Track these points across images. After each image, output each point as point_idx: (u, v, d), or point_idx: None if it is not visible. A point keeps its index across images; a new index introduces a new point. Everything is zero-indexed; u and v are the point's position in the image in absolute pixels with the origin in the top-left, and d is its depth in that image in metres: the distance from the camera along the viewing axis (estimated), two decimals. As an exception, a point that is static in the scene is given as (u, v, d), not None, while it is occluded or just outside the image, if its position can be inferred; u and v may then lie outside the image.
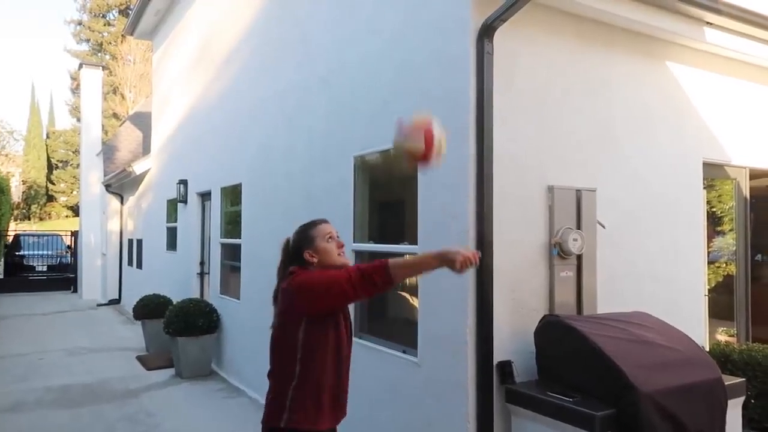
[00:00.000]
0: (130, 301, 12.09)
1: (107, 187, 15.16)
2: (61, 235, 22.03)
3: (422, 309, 3.90)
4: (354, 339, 2.66)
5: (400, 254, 2.63)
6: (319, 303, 2.32)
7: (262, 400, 6.77)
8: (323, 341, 2.37)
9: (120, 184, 14.53)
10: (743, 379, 3.66)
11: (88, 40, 39.85)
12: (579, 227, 3.86)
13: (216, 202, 8.00)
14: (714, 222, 5.14)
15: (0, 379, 7.47)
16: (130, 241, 14.28)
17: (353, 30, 4.85)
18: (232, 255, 7.50)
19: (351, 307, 3.62)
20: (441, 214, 3.70)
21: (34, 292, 18.02)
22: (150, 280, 11.42)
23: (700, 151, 4.72)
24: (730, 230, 5.15)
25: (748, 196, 5.12)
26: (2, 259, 19.73)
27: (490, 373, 3.47)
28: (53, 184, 42.25)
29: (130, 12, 11.75)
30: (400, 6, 4.26)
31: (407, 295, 4.31)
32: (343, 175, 4.85)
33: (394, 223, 4.66)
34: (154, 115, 12.07)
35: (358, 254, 4.64)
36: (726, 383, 3.30)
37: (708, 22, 4.21)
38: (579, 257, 3.86)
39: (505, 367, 3.52)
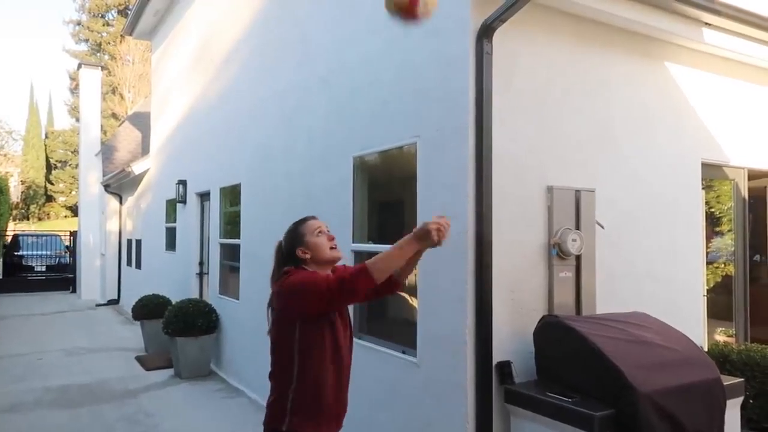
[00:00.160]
0: (129, 302, 12.08)
1: (106, 187, 15.15)
2: (59, 236, 22.01)
3: (421, 309, 3.91)
4: (354, 339, 2.65)
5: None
6: (305, 304, 2.30)
7: (262, 401, 6.79)
8: (319, 342, 2.36)
9: (119, 185, 14.53)
10: (742, 380, 3.67)
11: (87, 40, 39.83)
12: (578, 228, 3.87)
13: (215, 203, 8.00)
14: (712, 222, 5.15)
15: (-1, 379, 7.47)
16: (129, 242, 14.28)
17: (353, 30, 4.85)
18: (231, 255, 7.50)
19: (350, 308, 3.62)
20: (440, 213, 3.70)
21: (33, 292, 18.00)
22: (149, 281, 11.42)
23: (699, 151, 4.73)
24: (729, 231, 5.15)
25: (746, 197, 5.13)
26: (1, 260, 19.72)
27: (489, 373, 3.47)
28: (52, 184, 42.21)
29: (129, 12, 11.75)
30: (399, 6, 4.26)
31: (406, 296, 4.32)
32: (342, 176, 4.86)
33: (393, 223, 4.66)
34: (153, 115, 12.07)
35: (358, 254, 4.64)
36: (725, 383, 3.31)
37: (706, 23, 4.21)
38: (578, 257, 3.86)
39: (504, 367, 3.52)
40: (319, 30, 5.39)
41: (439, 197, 3.73)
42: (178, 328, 7.29)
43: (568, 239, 3.74)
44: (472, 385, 3.46)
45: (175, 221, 9.92)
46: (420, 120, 3.96)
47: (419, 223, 3.86)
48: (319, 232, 2.50)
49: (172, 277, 9.84)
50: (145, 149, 15.10)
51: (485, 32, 3.48)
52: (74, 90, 39.39)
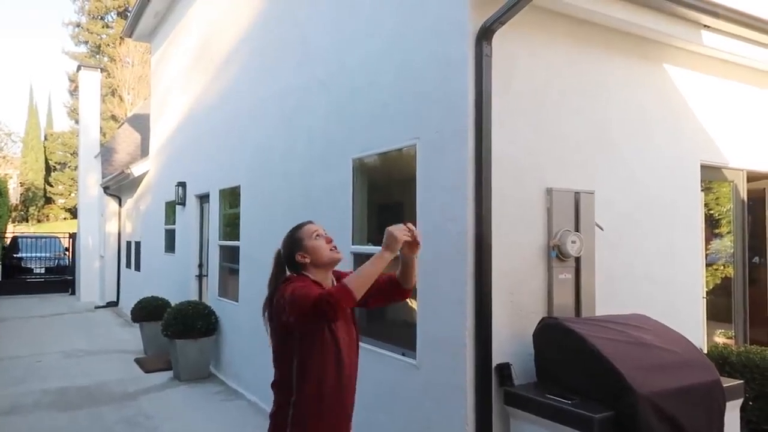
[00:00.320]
0: (128, 304, 12.06)
1: (105, 189, 15.14)
2: (59, 237, 21.98)
3: (421, 311, 3.91)
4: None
5: (396, 256, 2.62)
6: (298, 315, 2.25)
7: (261, 403, 6.79)
8: (319, 351, 2.34)
9: (118, 186, 14.52)
10: (741, 381, 3.66)
11: (86, 42, 39.82)
12: (577, 229, 3.87)
13: (214, 204, 8.00)
14: (712, 224, 5.15)
15: (-2, 381, 7.46)
16: (129, 243, 14.27)
17: (352, 32, 4.86)
18: (230, 257, 7.50)
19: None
20: (440, 216, 3.71)
21: (32, 294, 17.98)
22: (148, 283, 11.42)
23: (698, 153, 4.73)
24: (728, 232, 5.16)
25: (745, 199, 5.14)
26: (0, 262, 19.70)
27: (488, 375, 3.47)
28: (51, 186, 42.18)
29: (129, 14, 11.76)
30: (398, 9, 4.27)
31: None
32: (342, 177, 4.86)
33: (392, 225, 4.65)
34: (152, 117, 12.07)
35: (357, 256, 4.64)
36: (724, 385, 3.31)
37: (705, 25, 4.22)
38: (577, 259, 3.86)
39: (504, 369, 3.52)
40: (318, 31, 5.40)
41: (439, 199, 3.73)
42: (177, 331, 7.29)
43: (568, 241, 3.74)
44: (471, 387, 3.46)
45: (174, 223, 9.92)
46: (419, 122, 3.97)
47: (419, 225, 3.88)
48: (317, 235, 2.49)
49: (171, 279, 9.84)
50: (144, 151, 15.10)
51: (484, 34, 3.49)
52: (73, 92, 39.39)
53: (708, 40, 4.32)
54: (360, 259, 4.62)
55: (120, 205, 15.27)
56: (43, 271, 20.08)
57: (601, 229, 4.01)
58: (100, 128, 18.50)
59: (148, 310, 8.83)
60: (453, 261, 3.58)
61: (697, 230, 4.73)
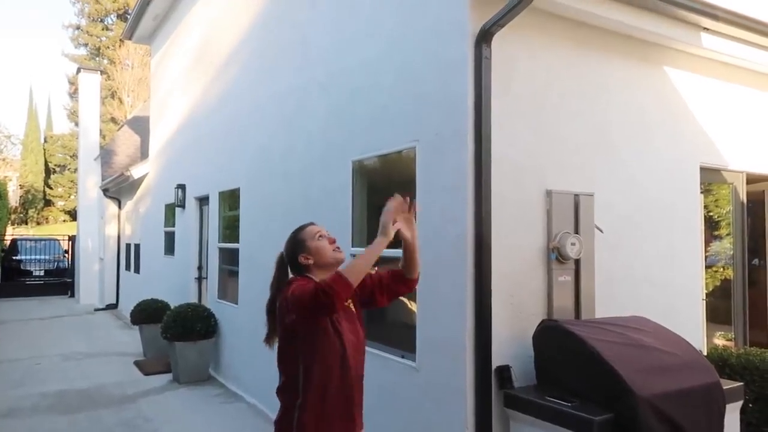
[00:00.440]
0: (127, 306, 12.05)
1: (105, 191, 15.14)
2: (58, 240, 21.98)
3: (421, 313, 3.90)
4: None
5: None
6: (299, 309, 2.25)
7: (260, 406, 6.78)
8: (324, 352, 2.31)
9: (118, 189, 14.52)
10: (741, 384, 3.66)
11: (86, 45, 39.86)
12: (577, 232, 3.87)
13: (214, 207, 7.99)
14: (711, 226, 5.15)
15: (-4, 384, 7.45)
16: (128, 246, 14.26)
17: (352, 34, 4.86)
18: (230, 260, 7.49)
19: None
20: (440, 218, 3.71)
21: (31, 296, 17.97)
22: (148, 285, 11.41)
23: (697, 155, 4.73)
24: (728, 235, 5.16)
25: (745, 201, 5.14)
26: (-1, 264, 19.71)
27: (488, 377, 3.46)
28: (51, 188, 42.19)
29: (129, 16, 11.77)
30: (398, 11, 4.28)
31: (406, 300, 4.31)
32: (341, 180, 4.86)
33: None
34: (152, 119, 12.08)
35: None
36: (724, 387, 3.30)
37: (705, 28, 4.23)
38: (577, 262, 3.86)
39: (504, 371, 3.52)
40: (318, 33, 5.40)
41: (439, 201, 3.73)
42: (176, 333, 7.28)
43: (567, 243, 3.74)
44: (471, 389, 3.46)
45: (174, 225, 9.92)
46: (419, 124, 3.97)
47: (419, 227, 3.87)
48: (320, 236, 2.48)
49: (170, 282, 9.83)
50: (144, 153, 15.10)
51: (484, 37, 3.49)
52: (73, 94, 39.40)
53: (708, 42, 4.32)
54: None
55: (119, 207, 15.26)
56: (42, 273, 20.08)
57: (601, 231, 4.01)
58: (100, 131, 18.49)
59: (148, 313, 8.83)
60: (453, 263, 3.58)
61: (697, 232, 4.73)
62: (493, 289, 3.50)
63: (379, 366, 4.25)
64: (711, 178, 4.96)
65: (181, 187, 9.21)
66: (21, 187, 41.07)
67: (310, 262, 2.45)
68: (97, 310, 15.19)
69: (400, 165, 4.30)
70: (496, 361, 3.51)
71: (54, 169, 43.12)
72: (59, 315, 14.22)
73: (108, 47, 38.24)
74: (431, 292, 3.79)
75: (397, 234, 2.41)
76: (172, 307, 7.91)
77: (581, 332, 3.26)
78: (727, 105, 4.97)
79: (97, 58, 39.32)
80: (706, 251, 4.92)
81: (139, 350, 9.30)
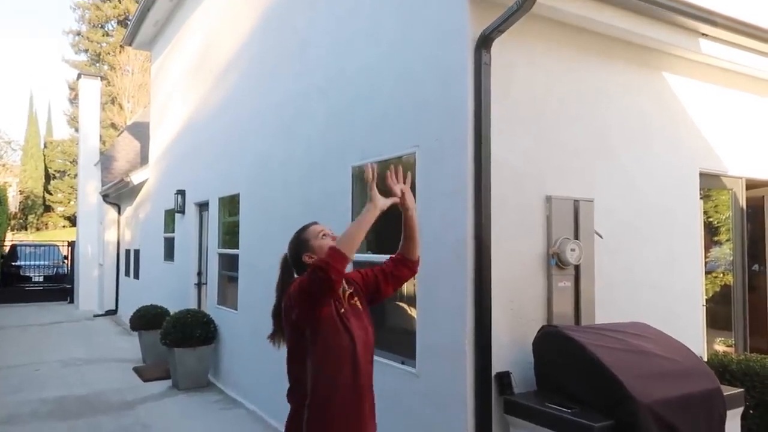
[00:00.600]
0: (126, 312, 12.03)
1: (105, 197, 15.15)
2: (57, 246, 21.97)
3: (420, 319, 3.90)
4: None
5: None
6: (299, 294, 2.22)
7: (260, 412, 6.75)
8: (333, 351, 2.29)
9: (117, 194, 14.52)
10: (742, 390, 3.65)
11: (86, 51, 39.97)
12: (577, 237, 3.87)
13: (214, 212, 7.99)
14: (711, 232, 5.15)
15: (-5, 390, 7.42)
16: (128, 252, 14.25)
17: (352, 39, 4.87)
18: (229, 265, 7.49)
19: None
20: (440, 223, 3.71)
21: (31, 302, 17.93)
22: (147, 291, 11.39)
23: (697, 161, 4.74)
24: (727, 240, 5.16)
25: (744, 206, 5.14)
26: (-1, 270, 19.67)
27: (488, 383, 3.46)
28: (50, 194, 42.19)
29: (129, 23, 11.80)
30: (398, 16, 4.29)
31: (405, 306, 4.31)
32: (341, 185, 4.86)
33: (392, 232, 4.65)
34: (152, 125, 12.09)
35: (357, 264, 4.63)
36: (725, 393, 3.30)
37: (703, 33, 4.24)
38: (577, 267, 3.86)
39: (504, 377, 3.51)
40: (318, 39, 5.42)
41: (439, 206, 3.73)
42: (176, 339, 7.26)
43: (567, 249, 3.74)
44: (471, 395, 3.45)
45: (173, 231, 9.91)
46: (419, 130, 3.97)
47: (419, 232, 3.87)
48: (323, 234, 2.48)
49: (170, 288, 9.82)
50: (144, 159, 15.11)
51: (484, 43, 3.50)
52: (73, 100, 39.48)
53: (707, 48, 4.34)
54: (360, 266, 4.61)
55: (119, 213, 15.26)
56: (41, 279, 20.05)
57: (601, 237, 4.01)
58: (100, 136, 18.51)
59: (147, 319, 8.81)
60: (452, 268, 3.58)
61: (697, 238, 4.73)
62: (492, 295, 3.50)
63: (379, 372, 4.22)
64: (710, 183, 4.97)
65: (181, 192, 9.21)
66: (21, 192, 41.09)
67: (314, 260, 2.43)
68: (96, 316, 15.16)
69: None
70: (496, 367, 3.50)
71: (54, 174, 43.14)
72: (58, 321, 14.19)
73: (108, 53, 38.34)
74: (431, 297, 3.79)
75: (397, 206, 2.44)
76: (171, 313, 7.90)
77: (581, 338, 3.26)
78: (727, 111, 4.98)
79: (98, 64, 39.43)
80: (706, 257, 4.92)
81: (138, 356, 9.28)
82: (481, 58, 3.51)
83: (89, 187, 16.67)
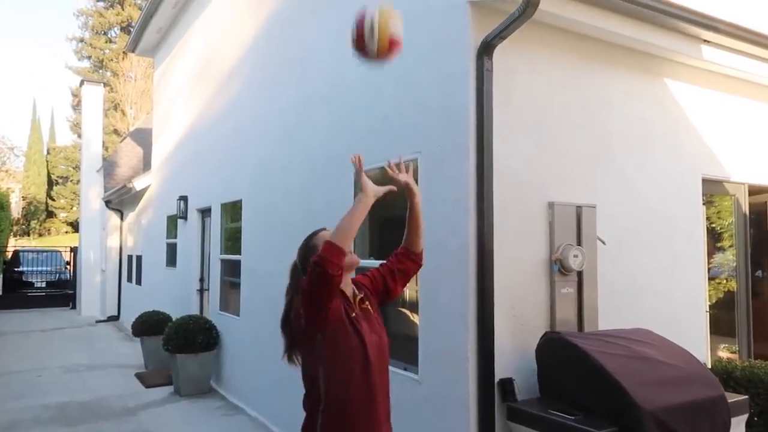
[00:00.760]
0: (129, 318, 12.03)
1: (107, 203, 15.17)
2: (60, 251, 21.98)
3: (423, 326, 3.89)
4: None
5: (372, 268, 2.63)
6: (306, 301, 2.21)
7: (262, 418, 6.73)
8: (345, 354, 2.27)
9: (120, 200, 14.55)
10: (746, 397, 3.64)
11: (89, 57, 40.13)
12: (579, 243, 3.86)
13: (216, 218, 8.00)
14: (714, 238, 5.14)
15: (-3, 396, 7.42)
16: (130, 258, 14.26)
17: (354, 47, 4.88)
18: (231, 271, 7.49)
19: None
20: (442, 229, 3.71)
21: (33, 308, 17.93)
22: (149, 297, 11.39)
23: (699, 167, 4.73)
24: (730, 246, 5.15)
25: (747, 212, 5.13)
26: (1, 276, 19.68)
27: (491, 390, 3.44)
28: (53, 200, 42.28)
29: (132, 29, 11.85)
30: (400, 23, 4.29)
31: (408, 312, 4.30)
32: (343, 192, 4.86)
33: (394, 238, 4.65)
34: (154, 131, 12.13)
35: (359, 270, 4.62)
36: (729, 401, 3.28)
37: (705, 40, 4.24)
38: (579, 273, 3.85)
39: (507, 384, 3.50)
40: (320, 46, 5.43)
41: (440, 212, 3.73)
42: (178, 345, 7.26)
43: (570, 255, 3.73)
44: (474, 402, 3.44)
45: (175, 237, 9.92)
46: (421, 136, 3.98)
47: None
48: None
49: (172, 294, 9.82)
50: (146, 165, 15.14)
51: (485, 49, 3.51)
52: (76, 106, 39.61)
53: (709, 54, 4.34)
54: (362, 272, 4.60)
55: (122, 219, 15.28)
56: (44, 285, 20.07)
57: (604, 243, 4.01)
58: (103, 142, 18.58)
59: (149, 325, 8.81)
60: (455, 274, 3.57)
61: (699, 244, 4.72)
62: (495, 301, 3.49)
63: (381, 378, 4.23)
64: (713, 189, 4.96)
65: (184, 198, 9.23)
66: (23, 198, 41.18)
67: None
68: (98, 321, 15.16)
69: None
70: (499, 373, 3.49)
71: (56, 180, 43.25)
72: (60, 327, 14.19)
73: (111, 60, 38.49)
74: (433, 303, 3.79)
75: (406, 193, 2.50)
76: (173, 319, 7.90)
77: (584, 345, 3.25)
78: (729, 117, 4.98)
79: (101, 71, 39.58)
80: (709, 263, 4.91)
81: (140, 362, 9.27)
82: (483, 65, 3.52)
83: (92, 193, 16.70)
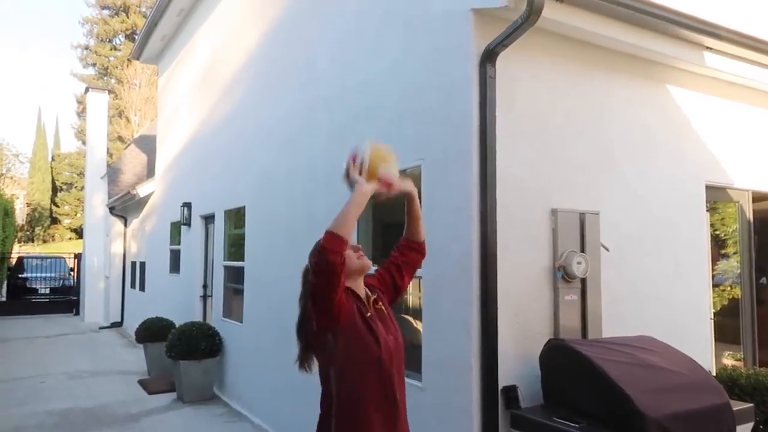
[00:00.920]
0: (132, 324, 12.04)
1: (111, 209, 15.21)
2: (64, 258, 22.03)
3: (426, 333, 3.88)
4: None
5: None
6: (313, 300, 2.20)
7: (265, 425, 6.71)
8: (357, 353, 2.25)
9: (124, 207, 14.58)
10: (751, 405, 3.61)
11: (94, 65, 40.39)
12: (583, 250, 3.85)
13: (219, 225, 8.02)
14: (718, 245, 5.13)
15: (0, 402, 7.42)
16: (133, 264, 14.29)
17: (357, 53, 4.91)
18: (235, 278, 7.49)
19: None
20: (445, 236, 3.71)
21: (37, 314, 17.97)
22: (153, 303, 11.40)
23: (702, 173, 4.73)
24: (735, 253, 5.13)
25: (751, 219, 5.12)
26: (5, 282, 19.72)
27: (495, 398, 3.43)
28: (57, 206, 42.45)
29: (137, 37, 11.92)
30: (403, 30, 4.32)
31: (411, 319, 4.30)
32: (346, 198, 4.85)
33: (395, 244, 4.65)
34: (158, 138, 12.17)
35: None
36: (734, 408, 3.26)
37: (707, 47, 4.25)
38: (583, 280, 3.84)
39: (510, 391, 3.49)
40: (323, 53, 5.45)
41: (443, 219, 3.74)
42: (181, 351, 7.26)
43: (573, 262, 3.73)
44: (478, 410, 3.43)
45: (179, 244, 9.94)
46: (424, 143, 3.99)
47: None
48: None
49: (175, 300, 9.83)
50: (150, 172, 15.18)
51: (488, 57, 3.52)
52: (81, 113, 39.82)
53: (711, 61, 4.34)
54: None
55: (125, 225, 15.32)
56: (47, 291, 20.09)
57: (607, 250, 4.00)
58: (107, 149, 18.64)
59: (153, 331, 8.81)
60: (458, 281, 3.57)
61: (703, 251, 4.71)
62: (498, 308, 3.48)
63: (384, 385, 4.22)
64: (716, 196, 4.95)
65: (187, 205, 9.25)
66: (28, 205, 41.35)
67: None
68: (101, 328, 15.17)
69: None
70: (503, 380, 3.48)
71: (61, 187, 43.43)
72: (64, 333, 14.20)
73: (116, 67, 38.73)
74: (436, 310, 3.78)
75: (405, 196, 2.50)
76: (176, 326, 7.90)
77: (588, 352, 3.24)
78: (732, 124, 4.97)
79: (105, 78, 39.81)
80: (713, 270, 4.89)
81: (143, 369, 9.27)
82: (485, 72, 3.53)
83: (96, 199, 16.76)
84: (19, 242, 34.34)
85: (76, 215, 41.52)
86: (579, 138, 4.03)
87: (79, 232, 37.48)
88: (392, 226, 4.78)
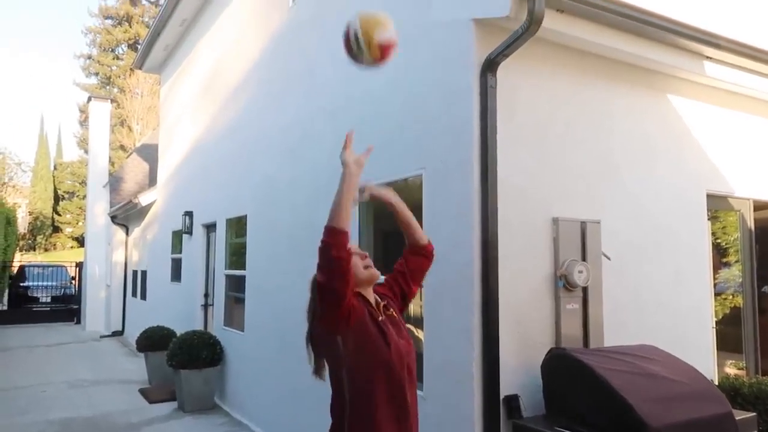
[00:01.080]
0: (133, 333, 12.02)
1: (113, 218, 15.24)
2: (65, 266, 22.04)
3: (427, 342, 3.88)
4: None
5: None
6: (321, 299, 2.19)
7: (266, 435, 6.61)
8: (367, 357, 2.23)
9: (126, 216, 14.61)
10: (754, 414, 3.60)
11: (97, 74, 40.58)
12: (584, 259, 3.86)
13: (221, 234, 8.03)
14: (719, 253, 5.12)
15: (1, 411, 7.40)
16: (135, 273, 14.29)
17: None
18: (236, 287, 7.49)
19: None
20: (446, 244, 3.71)
21: (38, 323, 17.95)
22: (154, 312, 11.39)
23: (703, 182, 4.73)
24: (736, 262, 5.13)
25: (752, 228, 5.12)
26: (7, 291, 19.73)
27: (496, 407, 3.43)
28: (59, 215, 42.49)
29: (140, 46, 11.99)
30: (404, 40, 4.31)
31: (412, 328, 4.29)
32: (348, 207, 4.86)
33: (399, 253, 4.65)
34: (160, 147, 12.21)
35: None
36: (736, 418, 3.25)
37: (707, 56, 4.27)
38: (585, 289, 3.84)
39: (512, 401, 3.48)
40: (325, 62, 5.48)
41: (445, 228, 3.74)
42: (182, 360, 7.25)
43: (575, 271, 3.73)
44: (479, 419, 3.42)
45: (180, 252, 9.95)
46: (425, 152, 4.00)
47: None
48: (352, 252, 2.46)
49: (177, 309, 9.82)
50: (152, 181, 15.23)
51: (489, 66, 3.54)
52: (84, 122, 39.99)
53: (711, 70, 4.36)
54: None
55: (127, 234, 15.33)
56: (49, 300, 20.09)
57: (608, 258, 4.00)
58: (109, 158, 18.71)
59: (154, 340, 8.80)
60: (459, 290, 3.57)
61: (705, 259, 4.70)
62: (500, 317, 3.48)
63: (385, 395, 4.21)
64: (718, 205, 4.95)
65: (189, 214, 9.26)
66: (30, 213, 41.40)
67: None
68: (102, 337, 15.16)
69: (407, 192, 4.32)
70: (504, 390, 3.48)
71: (63, 195, 43.49)
72: (65, 342, 14.19)
73: (118, 76, 38.91)
74: (437, 319, 3.78)
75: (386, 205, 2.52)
76: (177, 335, 7.89)
77: (590, 361, 3.23)
78: (732, 132, 4.98)
79: (108, 87, 39.99)
80: (714, 278, 4.89)
81: (144, 378, 9.25)
82: (486, 82, 3.55)
83: (98, 208, 16.79)
84: (21, 251, 34.36)
85: (77, 224, 41.56)
86: (579, 147, 4.04)
87: (80, 241, 37.49)
88: (392, 237, 4.79)
